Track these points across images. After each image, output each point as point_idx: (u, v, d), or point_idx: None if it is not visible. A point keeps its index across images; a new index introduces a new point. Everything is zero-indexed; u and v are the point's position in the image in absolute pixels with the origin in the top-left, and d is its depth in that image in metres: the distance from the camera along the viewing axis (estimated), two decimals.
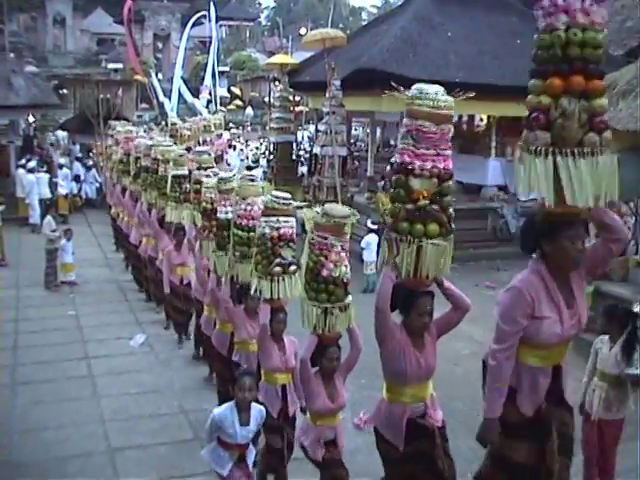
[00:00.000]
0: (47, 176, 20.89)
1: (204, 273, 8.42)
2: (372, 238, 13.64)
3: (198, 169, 8.88)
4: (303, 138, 30.12)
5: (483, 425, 4.44)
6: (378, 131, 24.94)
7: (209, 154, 9.40)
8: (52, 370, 9.48)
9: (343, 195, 15.60)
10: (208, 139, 16.33)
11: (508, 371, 4.29)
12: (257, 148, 31.62)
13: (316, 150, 17.71)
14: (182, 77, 32.75)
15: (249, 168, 24.00)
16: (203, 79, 32.68)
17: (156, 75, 35.53)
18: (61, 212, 20.46)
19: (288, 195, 6.25)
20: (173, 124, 17.15)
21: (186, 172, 9.98)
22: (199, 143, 15.71)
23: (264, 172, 22.13)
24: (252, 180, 6.96)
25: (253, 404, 5.63)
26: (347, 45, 18.31)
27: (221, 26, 52.56)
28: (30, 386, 8.94)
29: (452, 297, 5.03)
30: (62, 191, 21.39)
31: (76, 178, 22.82)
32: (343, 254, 5.52)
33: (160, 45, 58.51)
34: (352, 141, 26.23)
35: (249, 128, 40.58)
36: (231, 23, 62.20)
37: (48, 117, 32.86)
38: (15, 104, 20.75)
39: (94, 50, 56.22)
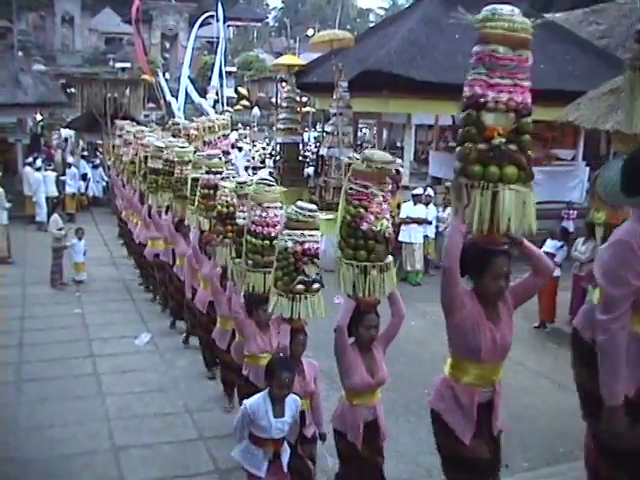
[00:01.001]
0: (54, 174, 20.95)
1: (217, 281, 7.93)
2: None
3: (207, 173, 8.54)
4: (309, 139, 30.15)
5: (607, 415, 3.73)
6: (385, 133, 24.97)
7: (220, 158, 9.02)
8: (57, 368, 9.49)
9: None
10: (212, 140, 16.19)
11: (624, 343, 3.60)
12: (264, 149, 31.65)
13: (322, 151, 17.72)
14: (189, 77, 32.73)
15: (255, 169, 24.06)
16: (210, 79, 32.69)
17: (163, 75, 35.59)
18: (68, 211, 20.52)
19: (314, 207, 5.78)
20: (175, 124, 17.06)
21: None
22: (204, 144, 15.65)
23: (270, 173, 22.15)
24: (269, 185, 6.44)
25: None
26: (354, 46, 18.33)
27: (229, 26, 52.54)
28: (35, 384, 8.95)
29: (533, 259, 4.27)
30: (70, 190, 21.43)
31: (83, 177, 22.87)
32: (385, 206, 5.02)
33: (168, 45, 58.69)
34: (359, 142, 26.26)
35: (256, 129, 40.64)
36: (239, 24, 62.32)
37: (56, 116, 32.96)
38: (23, 102, 20.84)
39: (102, 49, 56.44)
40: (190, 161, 10.07)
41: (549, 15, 21.25)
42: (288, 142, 20.88)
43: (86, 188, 23.14)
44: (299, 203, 5.79)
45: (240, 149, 28.15)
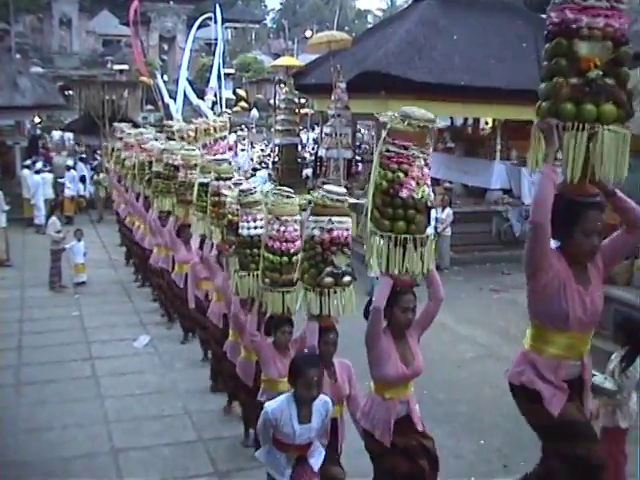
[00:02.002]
0: (51, 176, 20.95)
1: (231, 293, 7.29)
2: None
3: (217, 179, 8.02)
4: (308, 140, 30.15)
5: None
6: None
7: (229, 163, 8.59)
8: (56, 371, 9.49)
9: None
10: (209, 142, 15.94)
11: None
12: (262, 150, 31.68)
13: (321, 152, 17.73)
14: (187, 79, 32.78)
15: (255, 170, 24.07)
16: (208, 81, 32.74)
17: (161, 77, 35.63)
18: (67, 214, 20.50)
19: (343, 190, 5.33)
20: (168, 126, 16.87)
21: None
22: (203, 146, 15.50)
23: (269, 174, 22.15)
24: (288, 196, 5.83)
25: None
26: (352, 48, 18.34)
27: (227, 28, 52.63)
28: (35, 386, 8.95)
29: (630, 212, 3.69)
30: (69, 193, 21.39)
31: (82, 179, 22.84)
32: (427, 170, 4.44)
33: (166, 47, 58.60)
34: (357, 144, 26.28)
35: (254, 130, 40.64)
36: (237, 25, 62.27)
37: (54, 118, 32.96)
38: (21, 105, 20.82)
39: (100, 51, 56.39)
40: (196, 165, 9.69)
41: (545, 15, 21.26)
42: (286, 143, 20.90)
43: (84, 190, 23.10)
44: (327, 186, 5.36)
45: (242, 150, 28.16)
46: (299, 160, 22.24)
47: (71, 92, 29.20)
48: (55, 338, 10.85)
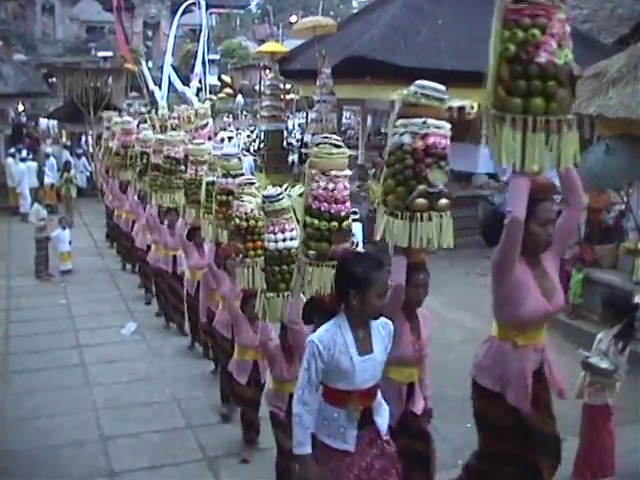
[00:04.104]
0: (34, 164, 20.80)
1: (237, 305, 6.70)
2: (356, 227, 13.60)
3: (225, 176, 7.13)
4: (294, 126, 30.10)
5: None
6: (369, 119, 24.93)
7: (239, 158, 7.60)
8: (44, 359, 9.48)
9: None
10: (189, 130, 15.48)
11: None
12: (248, 136, 31.63)
13: (307, 138, 17.69)
14: (172, 65, 32.59)
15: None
16: (193, 67, 32.58)
17: (146, 63, 35.38)
18: (47, 202, 20.28)
19: (441, 87, 4.13)
20: (141, 113, 16.57)
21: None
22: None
23: (254, 160, 22.08)
24: (337, 146, 4.57)
25: None
26: (338, 33, 18.30)
27: (211, 14, 52.28)
28: (22, 375, 8.94)
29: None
30: (48, 181, 21.12)
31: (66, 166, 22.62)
32: (568, 29, 3.24)
33: (150, 33, 58.18)
34: (343, 129, 26.23)
35: (243, 116, 40.52)
36: (221, 11, 61.82)
37: (38, 106, 32.71)
38: (4, 93, 20.63)
39: (83, 38, 55.88)
40: (206, 161, 8.74)
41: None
42: (272, 129, 20.84)
43: None
44: (420, 82, 4.18)
45: (230, 139, 28.00)
46: (285, 146, 22.19)
47: (55, 79, 28.97)
48: (42, 326, 10.84)
